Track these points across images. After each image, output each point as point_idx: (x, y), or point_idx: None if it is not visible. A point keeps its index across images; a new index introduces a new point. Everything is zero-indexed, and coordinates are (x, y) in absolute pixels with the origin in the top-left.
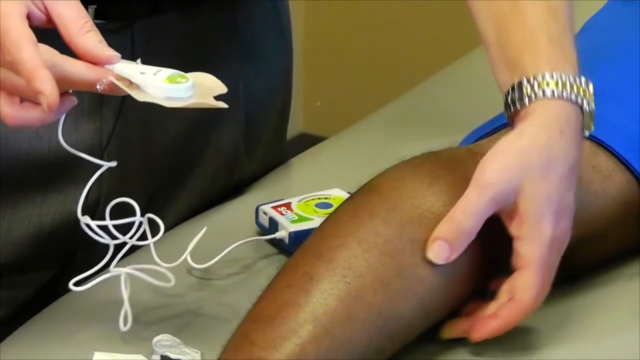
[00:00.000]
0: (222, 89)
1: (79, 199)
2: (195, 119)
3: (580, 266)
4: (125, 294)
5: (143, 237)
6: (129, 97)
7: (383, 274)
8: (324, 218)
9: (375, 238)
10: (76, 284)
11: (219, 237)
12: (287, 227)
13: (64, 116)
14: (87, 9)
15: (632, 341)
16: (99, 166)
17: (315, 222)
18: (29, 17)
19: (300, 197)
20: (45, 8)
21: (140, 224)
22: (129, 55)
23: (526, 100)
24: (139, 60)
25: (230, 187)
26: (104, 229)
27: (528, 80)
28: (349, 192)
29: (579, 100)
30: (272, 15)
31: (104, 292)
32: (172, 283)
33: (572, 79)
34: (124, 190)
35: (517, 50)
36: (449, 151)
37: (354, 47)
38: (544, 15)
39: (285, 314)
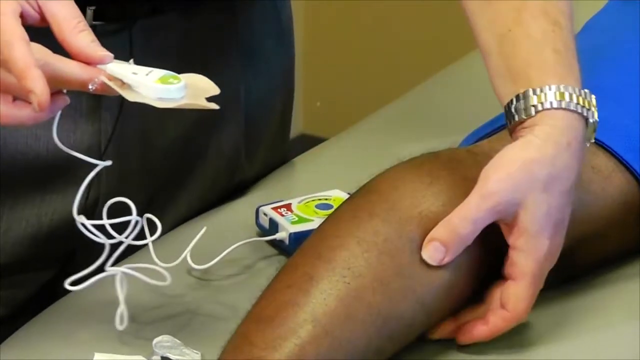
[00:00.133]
0: (215, 90)
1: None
2: (195, 121)
3: (580, 266)
4: (121, 294)
5: (143, 238)
6: None
7: (382, 274)
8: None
9: (375, 238)
10: (73, 284)
11: (219, 238)
12: (287, 228)
13: (58, 115)
14: (86, 10)
15: (631, 341)
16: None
17: (315, 223)
18: (22, 15)
19: (300, 198)
20: (39, 7)
21: (137, 223)
22: (128, 56)
23: (532, 110)
24: (131, 61)
25: (231, 189)
26: (102, 228)
27: (534, 91)
28: (349, 193)
29: (585, 112)
30: (272, 16)
31: (104, 293)
32: (168, 282)
33: (577, 91)
34: (123, 191)
35: (522, 62)
36: (448, 151)
37: (354, 47)
38: (548, 27)
39: (285, 314)
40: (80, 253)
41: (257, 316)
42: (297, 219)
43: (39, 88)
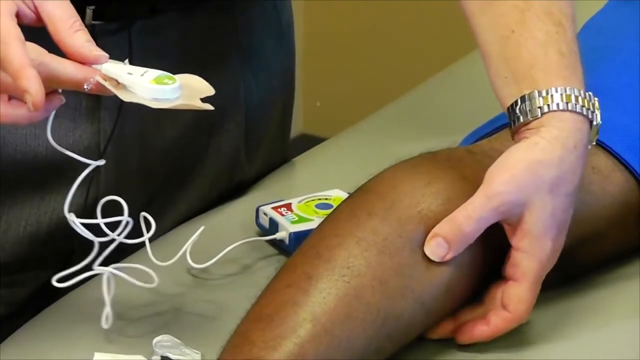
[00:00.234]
0: (210, 90)
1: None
2: (195, 121)
3: (580, 266)
4: (106, 294)
5: (141, 237)
6: None
7: (382, 273)
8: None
9: (374, 237)
10: (62, 281)
11: (219, 238)
12: (287, 228)
13: (53, 115)
14: (85, 9)
15: (631, 341)
16: (98, 166)
17: (315, 223)
18: (18, 15)
19: (300, 198)
20: (35, 7)
21: (127, 223)
22: (127, 56)
23: (538, 111)
24: (127, 61)
25: (231, 189)
26: (98, 227)
27: (540, 93)
28: (348, 193)
29: (589, 114)
30: (272, 16)
31: (103, 293)
32: (156, 283)
33: (582, 93)
34: (122, 190)
35: (526, 64)
36: (447, 151)
37: (353, 47)
38: (552, 28)
39: (284, 313)
40: (79, 252)
41: (256, 315)
42: (297, 218)
43: (34, 88)
